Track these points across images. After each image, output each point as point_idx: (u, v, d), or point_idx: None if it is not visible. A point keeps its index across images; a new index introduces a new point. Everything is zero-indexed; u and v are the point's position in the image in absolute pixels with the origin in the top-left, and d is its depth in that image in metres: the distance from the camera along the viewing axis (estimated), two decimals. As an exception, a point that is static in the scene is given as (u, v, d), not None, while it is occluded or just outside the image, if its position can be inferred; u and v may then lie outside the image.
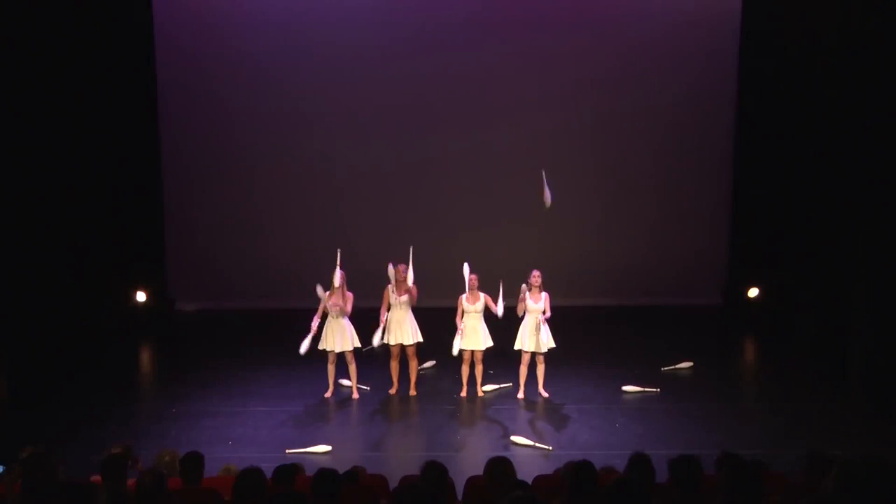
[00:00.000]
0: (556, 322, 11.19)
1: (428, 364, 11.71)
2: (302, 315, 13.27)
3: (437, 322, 11.20)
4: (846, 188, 11.22)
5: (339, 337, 10.66)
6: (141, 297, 13.86)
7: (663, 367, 11.76)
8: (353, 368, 10.88)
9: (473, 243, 14.16)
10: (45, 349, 11.43)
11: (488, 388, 11.12)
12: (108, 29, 12.82)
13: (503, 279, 10.71)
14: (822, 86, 11.90)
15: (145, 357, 13.39)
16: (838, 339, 11.36)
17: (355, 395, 10.95)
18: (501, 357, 11.19)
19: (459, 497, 6.51)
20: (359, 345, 10.84)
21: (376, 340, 10.75)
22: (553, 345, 10.76)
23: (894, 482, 4.68)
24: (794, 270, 12.81)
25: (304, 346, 10.66)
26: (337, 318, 10.67)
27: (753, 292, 14.03)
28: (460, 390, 11.01)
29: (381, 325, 10.75)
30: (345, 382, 11.06)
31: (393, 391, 11.06)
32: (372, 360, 11.42)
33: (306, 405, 10.78)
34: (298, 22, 13.87)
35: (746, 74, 13.71)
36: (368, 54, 13.89)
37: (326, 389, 10.98)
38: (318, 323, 10.69)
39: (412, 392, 11.05)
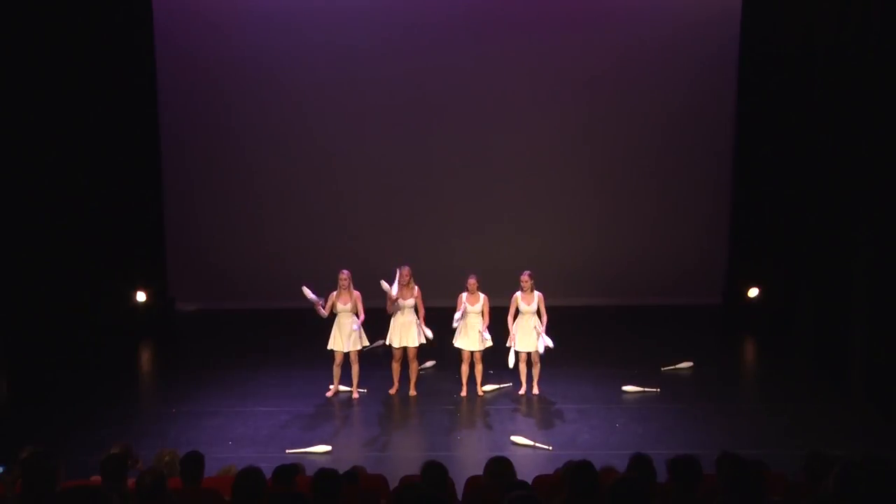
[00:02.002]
0: (557, 322, 11.20)
1: (428, 364, 11.72)
2: (302, 315, 13.31)
3: (437, 322, 11.19)
4: (846, 188, 11.21)
5: (347, 337, 10.68)
6: (141, 297, 13.84)
7: (663, 367, 11.76)
8: (355, 369, 10.89)
9: (473, 243, 14.19)
10: (45, 349, 11.42)
11: (488, 388, 11.12)
12: (107, 28, 12.80)
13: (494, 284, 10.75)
14: (821, 85, 11.89)
15: (145, 357, 13.39)
16: (838, 339, 11.35)
17: (355, 396, 10.95)
18: (501, 357, 11.18)
19: (459, 497, 6.52)
20: (367, 343, 10.88)
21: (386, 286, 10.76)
22: (551, 344, 10.73)
23: (894, 482, 4.68)
24: (794, 270, 12.80)
25: (312, 296, 10.65)
26: (346, 317, 10.68)
27: (753, 292, 14.01)
28: (460, 390, 11.01)
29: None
30: (341, 388, 11.05)
31: (393, 391, 11.06)
32: (372, 361, 11.39)
33: (306, 405, 10.78)
34: (299, 21, 13.86)
35: (746, 74, 13.69)
36: (369, 53, 13.88)
37: (327, 389, 10.98)
38: (323, 305, 10.69)
39: (412, 392, 11.05)
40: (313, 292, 10.67)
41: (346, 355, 10.80)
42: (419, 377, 11.18)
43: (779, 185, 13.08)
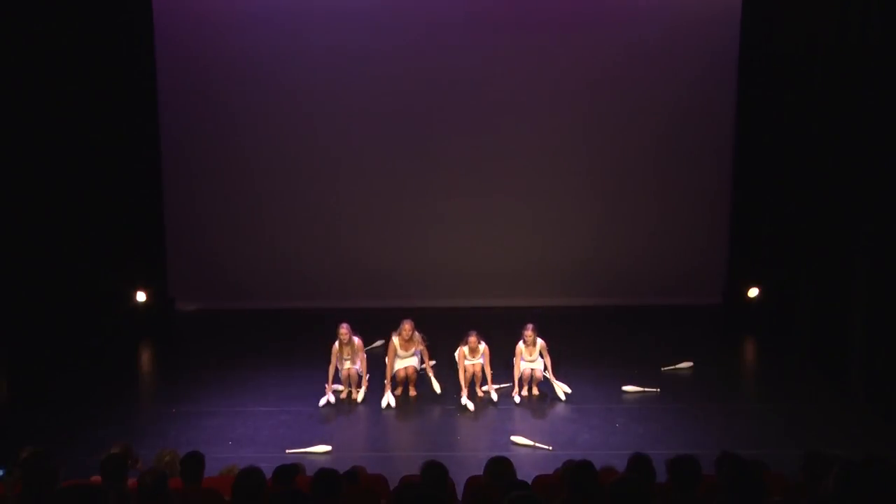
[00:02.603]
0: (557, 322, 11.21)
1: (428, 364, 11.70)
2: (302, 315, 13.34)
3: (437, 323, 11.20)
4: (846, 188, 11.21)
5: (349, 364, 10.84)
6: (141, 297, 13.84)
7: (663, 367, 11.76)
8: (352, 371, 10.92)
9: (474, 243, 14.19)
10: (45, 349, 11.42)
11: (488, 388, 11.10)
12: (108, 28, 12.81)
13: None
14: (822, 85, 11.88)
15: (145, 357, 13.38)
16: (838, 339, 11.35)
17: (354, 396, 10.95)
18: (502, 359, 11.18)
19: (459, 497, 6.52)
20: (367, 374, 10.96)
21: (384, 402, 10.83)
22: (568, 390, 10.79)
23: (894, 482, 4.68)
24: (794, 270, 12.80)
25: (323, 402, 10.79)
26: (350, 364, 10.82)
27: (753, 292, 14.01)
28: (460, 390, 10.99)
29: (388, 385, 10.90)
30: (338, 387, 11.06)
31: (398, 392, 11.06)
32: (372, 361, 11.38)
33: (306, 405, 10.77)
34: (299, 21, 13.84)
35: (746, 74, 13.70)
36: (369, 53, 13.87)
37: (325, 392, 10.99)
38: (332, 389, 10.86)
39: (412, 392, 11.05)
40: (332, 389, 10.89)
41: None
42: (419, 377, 11.19)
43: (778, 185, 13.08)
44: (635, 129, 14.08)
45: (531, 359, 10.79)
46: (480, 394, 11.00)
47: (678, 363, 11.88)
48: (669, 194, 14.29)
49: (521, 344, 10.83)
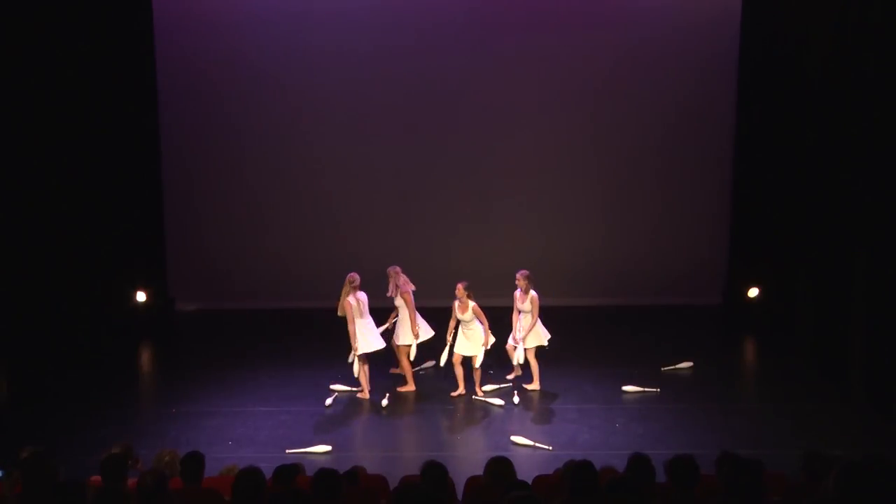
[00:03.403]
0: (558, 322, 11.20)
1: (428, 364, 11.70)
2: (302, 315, 13.33)
3: (438, 322, 11.19)
4: (846, 188, 11.21)
5: (367, 338, 10.70)
6: (141, 297, 13.85)
7: (663, 367, 11.76)
8: (365, 369, 10.87)
9: (475, 243, 14.19)
10: (45, 349, 11.42)
11: (488, 388, 11.10)
12: (108, 29, 12.81)
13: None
14: (822, 85, 11.89)
15: (145, 357, 13.39)
16: (838, 339, 11.35)
17: (362, 395, 10.94)
18: (501, 357, 11.18)
19: (459, 497, 6.52)
20: (382, 345, 10.85)
21: (385, 402, 10.86)
22: (522, 360, 10.78)
23: (894, 482, 4.68)
24: (794, 270, 12.80)
25: (329, 401, 10.79)
26: (362, 319, 10.70)
27: (753, 292, 14.02)
28: (458, 390, 10.96)
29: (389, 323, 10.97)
30: (338, 387, 11.04)
31: (402, 389, 11.06)
32: (371, 363, 11.38)
33: (306, 405, 10.77)
34: (299, 21, 13.85)
35: (746, 75, 13.70)
36: (369, 54, 13.88)
37: (328, 390, 10.97)
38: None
39: (411, 388, 11.04)
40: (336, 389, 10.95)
41: (367, 356, 10.83)
42: (418, 377, 11.18)
43: (779, 186, 13.08)
44: (636, 130, 14.10)
45: (524, 307, 10.73)
46: (480, 394, 10.97)
47: (678, 363, 11.87)
48: (670, 194, 14.30)
49: (517, 292, 10.80)
